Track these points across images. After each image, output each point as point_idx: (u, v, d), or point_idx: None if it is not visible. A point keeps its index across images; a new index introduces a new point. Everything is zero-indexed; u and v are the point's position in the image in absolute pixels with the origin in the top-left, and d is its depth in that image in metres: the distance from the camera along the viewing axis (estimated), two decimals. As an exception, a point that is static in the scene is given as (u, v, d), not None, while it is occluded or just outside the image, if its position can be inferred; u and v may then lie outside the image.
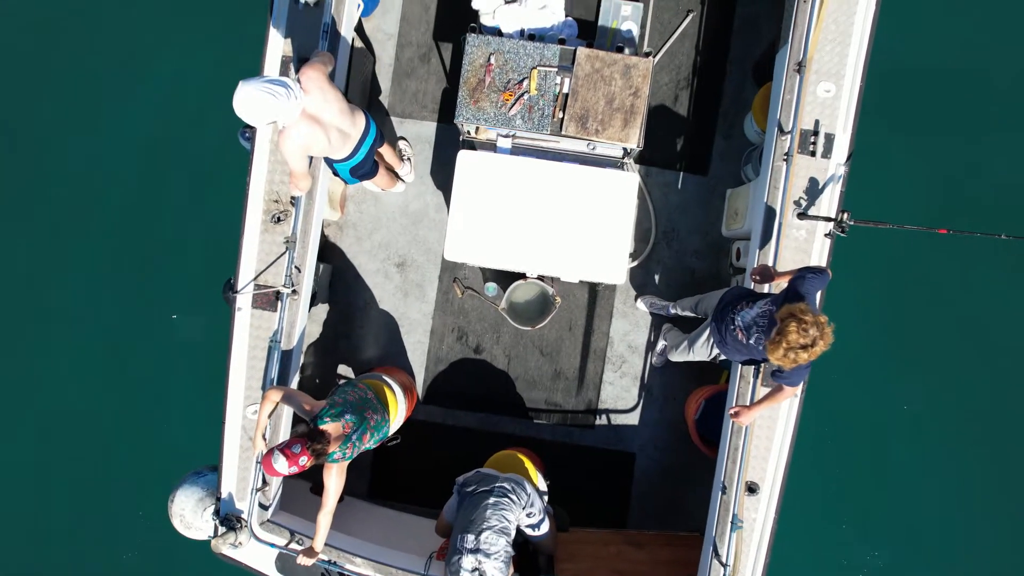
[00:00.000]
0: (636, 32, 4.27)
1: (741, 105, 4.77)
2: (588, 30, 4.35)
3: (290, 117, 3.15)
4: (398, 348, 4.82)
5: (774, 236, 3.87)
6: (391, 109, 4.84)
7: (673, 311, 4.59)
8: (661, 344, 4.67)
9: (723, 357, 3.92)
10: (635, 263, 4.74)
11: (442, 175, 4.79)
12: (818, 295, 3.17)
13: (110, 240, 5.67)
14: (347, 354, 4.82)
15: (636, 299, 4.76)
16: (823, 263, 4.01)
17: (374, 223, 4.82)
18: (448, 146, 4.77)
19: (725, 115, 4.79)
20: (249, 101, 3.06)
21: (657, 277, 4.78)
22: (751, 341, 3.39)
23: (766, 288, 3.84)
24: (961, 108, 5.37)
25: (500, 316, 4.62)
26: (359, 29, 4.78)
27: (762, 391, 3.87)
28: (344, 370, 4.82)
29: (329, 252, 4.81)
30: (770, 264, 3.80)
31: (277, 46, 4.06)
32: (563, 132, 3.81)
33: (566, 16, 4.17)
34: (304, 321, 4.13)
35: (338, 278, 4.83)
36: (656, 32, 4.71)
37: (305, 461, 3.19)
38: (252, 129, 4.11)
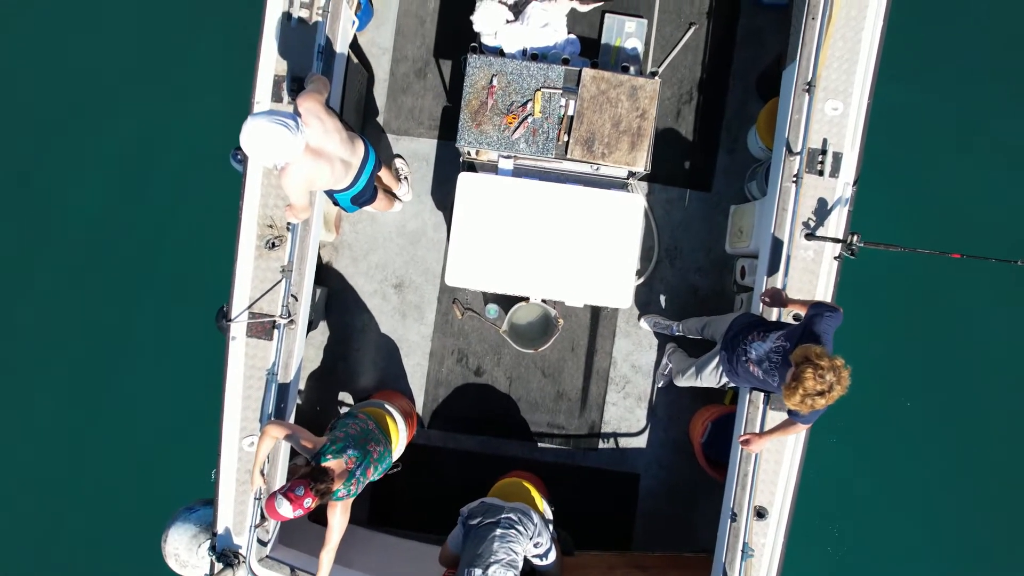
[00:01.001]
0: (640, 49, 4.17)
1: (745, 119, 4.68)
2: (591, 48, 4.24)
3: (295, 153, 3.02)
4: (397, 371, 4.71)
5: (783, 260, 3.80)
6: (386, 126, 4.71)
7: (677, 331, 4.52)
8: (665, 364, 4.60)
9: (732, 384, 3.86)
10: (638, 282, 4.66)
11: (440, 193, 4.68)
12: (832, 334, 3.10)
13: (100, 262, 5.53)
14: (345, 377, 4.71)
15: (639, 318, 4.68)
16: (831, 284, 3.95)
17: (370, 243, 4.70)
18: (446, 164, 4.66)
19: (728, 130, 4.70)
20: (260, 136, 2.92)
21: (660, 295, 4.70)
22: (763, 375, 3.33)
23: (775, 313, 3.78)
24: (974, 127, 5.32)
25: (501, 337, 4.53)
26: (352, 43, 4.64)
27: (772, 416, 3.82)
28: (343, 395, 4.71)
29: (324, 274, 4.69)
30: (780, 288, 3.74)
31: (269, 64, 3.92)
32: (568, 156, 3.71)
33: (569, 34, 4.06)
34: (301, 351, 4.02)
35: (334, 300, 4.71)
36: (660, 47, 4.60)
37: (310, 503, 3.09)
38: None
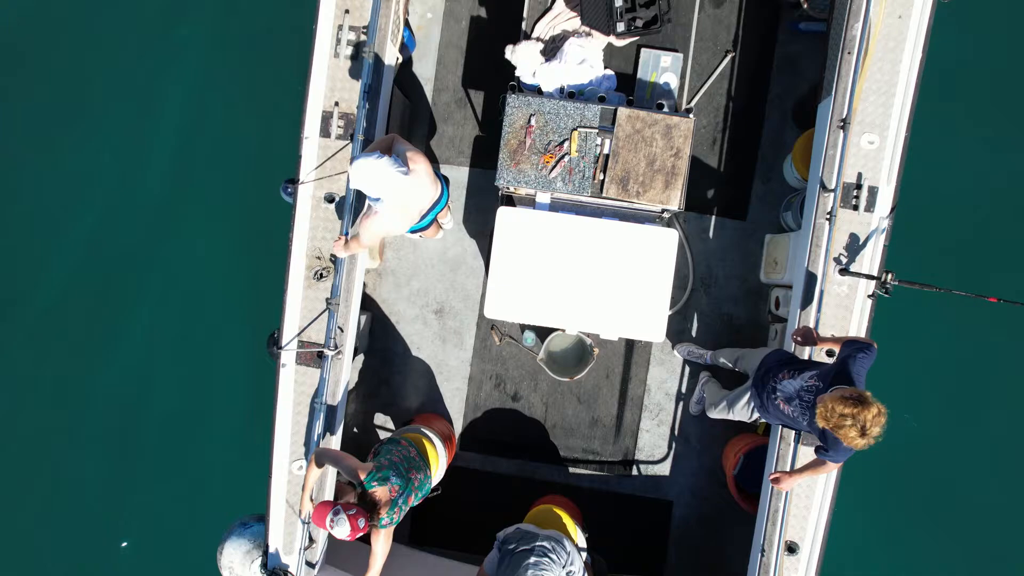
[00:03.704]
0: (675, 84, 4.22)
1: (780, 148, 4.70)
2: (627, 82, 4.31)
3: (395, 190, 3.27)
4: (436, 395, 4.87)
5: (816, 296, 3.83)
6: (427, 154, 4.85)
7: (711, 360, 4.57)
8: (699, 393, 4.66)
9: (763, 419, 3.91)
10: (673, 310, 4.72)
11: (478, 221, 4.81)
12: (865, 374, 3.13)
13: (151, 289, 5.82)
14: (386, 400, 4.88)
15: (673, 347, 4.74)
16: (866, 320, 3.96)
17: (412, 270, 4.86)
18: (485, 192, 4.78)
19: (764, 158, 4.72)
20: (372, 169, 3.21)
21: (695, 324, 4.76)
22: (793, 413, 3.37)
23: (807, 352, 3.82)
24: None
25: (537, 364, 4.64)
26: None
27: (803, 452, 3.85)
28: (382, 419, 4.88)
29: (368, 299, 4.86)
30: (812, 327, 3.77)
31: (318, 100, 4.09)
32: (604, 194, 3.79)
33: (605, 69, 4.13)
34: (347, 378, 4.19)
35: (377, 324, 4.88)
36: (696, 75, 4.64)
37: (363, 526, 3.28)
38: (294, 184, 4.17)
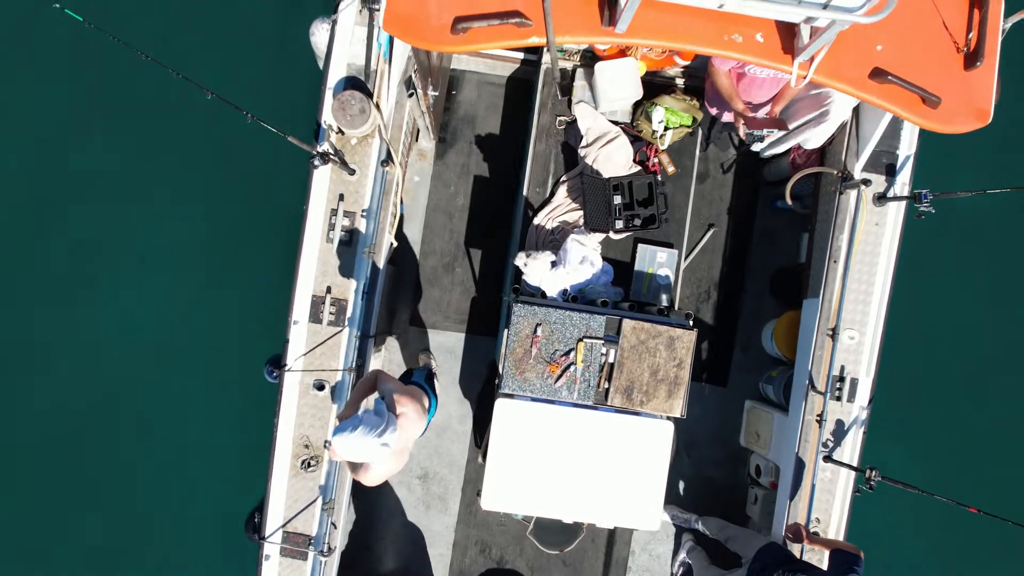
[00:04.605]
0: (672, 278, 4.32)
1: (759, 317, 4.87)
2: (624, 272, 4.39)
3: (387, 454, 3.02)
4: (420, 560, 4.77)
5: (808, 495, 4.00)
6: (413, 319, 4.78)
7: (696, 524, 4.67)
8: (683, 556, 4.75)
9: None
10: (657, 475, 4.81)
11: (465, 386, 4.77)
12: None
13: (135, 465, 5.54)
14: (368, 567, 4.75)
15: (658, 509, 4.82)
16: (847, 503, 4.16)
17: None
18: (471, 357, 4.75)
19: (744, 327, 4.89)
20: (356, 447, 2.90)
21: (679, 487, 4.85)
22: None
23: (798, 549, 3.97)
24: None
25: (522, 528, 4.63)
26: None
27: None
28: (365, 585, 4.75)
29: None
30: (803, 525, 3.92)
31: (307, 284, 3.96)
32: (608, 402, 3.83)
33: (604, 261, 4.19)
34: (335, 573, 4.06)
35: (357, 492, 4.75)
36: (687, 246, 4.77)
37: None
38: (279, 367, 4.02)
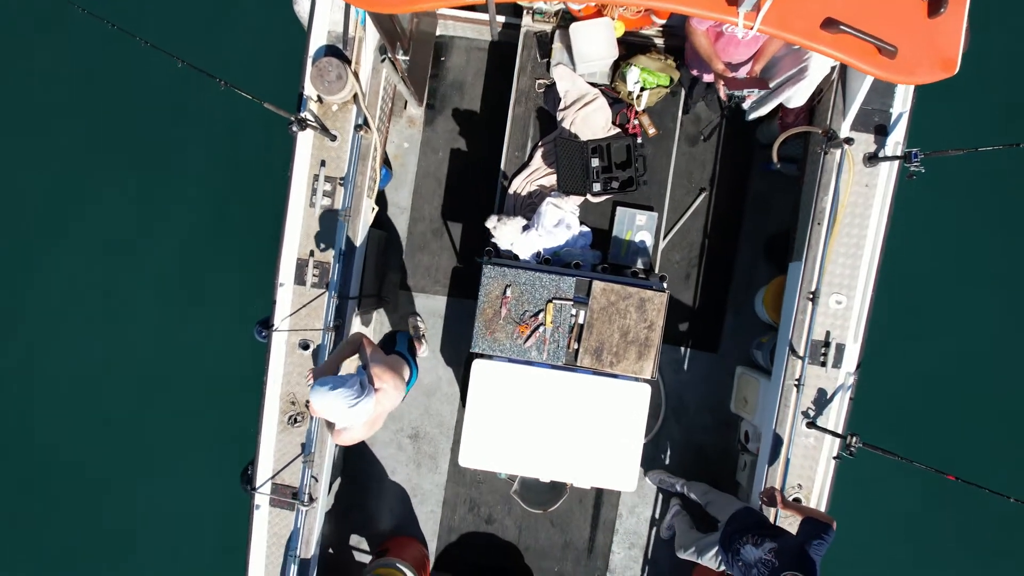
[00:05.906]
0: (650, 242, 4.28)
1: (752, 283, 4.79)
2: (603, 238, 4.36)
3: (355, 419, 3.12)
4: (411, 518, 4.92)
5: (783, 459, 3.95)
6: (402, 282, 4.88)
7: (682, 489, 4.67)
8: (669, 519, 4.76)
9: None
10: (646, 439, 4.81)
11: (454, 349, 4.85)
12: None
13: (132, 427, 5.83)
14: (361, 524, 4.92)
15: (645, 473, 4.84)
16: (831, 471, 4.09)
17: (387, 396, 4.88)
18: (459, 320, 4.82)
19: (736, 293, 4.81)
20: (332, 404, 3.01)
21: (667, 453, 4.85)
22: None
23: (772, 513, 3.93)
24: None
25: (509, 487, 4.70)
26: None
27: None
28: (356, 539, 4.92)
29: (343, 423, 4.88)
30: (778, 488, 3.89)
31: (292, 248, 4.10)
32: (578, 363, 3.85)
33: (582, 225, 4.18)
34: (320, 525, 4.22)
35: (351, 449, 4.92)
36: (671, 212, 4.70)
37: None
38: (268, 328, 4.17)
